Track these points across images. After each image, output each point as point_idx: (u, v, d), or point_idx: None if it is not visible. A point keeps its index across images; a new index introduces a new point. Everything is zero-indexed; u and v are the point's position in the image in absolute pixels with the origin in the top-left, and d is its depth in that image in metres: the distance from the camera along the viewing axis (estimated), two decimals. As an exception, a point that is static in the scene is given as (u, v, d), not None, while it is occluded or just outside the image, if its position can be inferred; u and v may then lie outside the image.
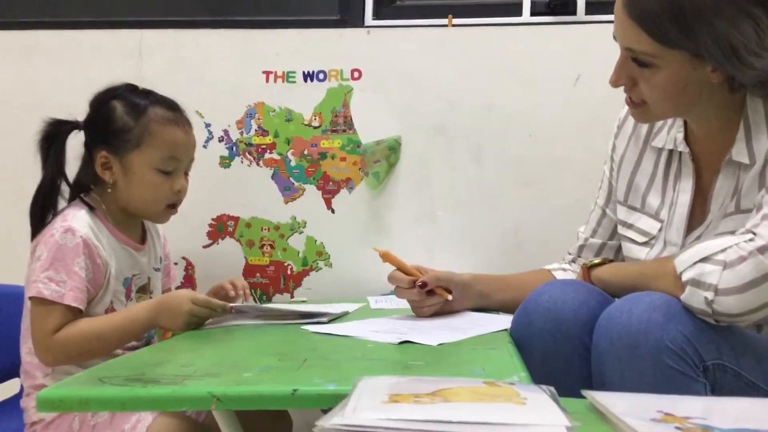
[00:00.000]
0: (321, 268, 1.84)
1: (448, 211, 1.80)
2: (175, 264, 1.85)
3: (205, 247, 1.87)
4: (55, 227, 1.26)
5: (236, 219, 1.86)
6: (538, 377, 0.98)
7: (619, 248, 1.30)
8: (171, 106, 1.39)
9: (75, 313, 1.23)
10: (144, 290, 1.40)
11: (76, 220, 1.28)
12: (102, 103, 1.35)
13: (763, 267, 0.90)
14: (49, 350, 1.21)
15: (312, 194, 1.84)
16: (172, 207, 1.40)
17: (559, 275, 1.34)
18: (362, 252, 1.81)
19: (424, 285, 1.19)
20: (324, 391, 0.72)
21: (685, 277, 0.94)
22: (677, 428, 0.52)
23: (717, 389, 0.92)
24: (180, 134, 1.37)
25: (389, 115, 1.81)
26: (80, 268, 1.23)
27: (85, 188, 1.36)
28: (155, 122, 1.34)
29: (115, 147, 1.32)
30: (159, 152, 1.33)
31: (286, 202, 1.85)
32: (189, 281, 1.87)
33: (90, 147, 1.35)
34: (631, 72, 1.07)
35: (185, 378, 0.78)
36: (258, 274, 1.85)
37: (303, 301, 1.69)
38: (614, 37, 1.08)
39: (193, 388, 0.74)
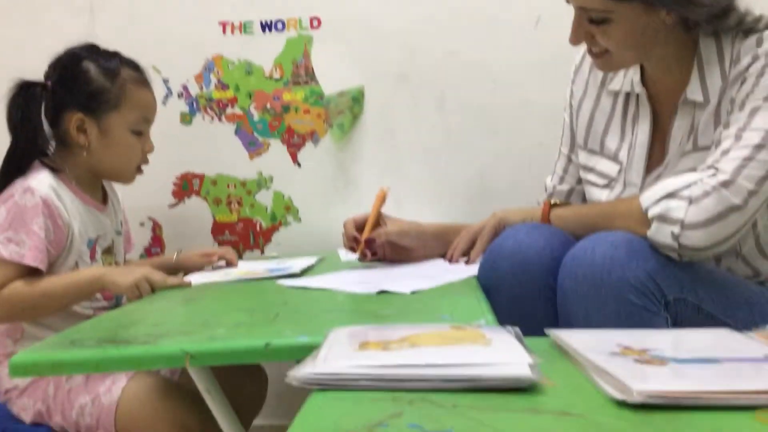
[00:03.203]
0: (290, 224, 1.83)
1: (414, 160, 1.80)
2: (142, 225, 1.84)
3: (171, 206, 1.85)
4: (15, 188, 1.25)
5: (201, 177, 1.84)
6: (505, 319, 1.01)
7: (587, 193, 1.32)
8: (137, 67, 1.40)
9: (35, 274, 1.22)
10: (109, 252, 1.39)
11: (35, 181, 1.26)
12: (71, 65, 1.32)
13: (727, 201, 0.93)
14: None
15: (277, 149, 1.82)
16: (139, 169, 1.41)
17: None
18: (331, 205, 1.81)
19: (370, 241, 1.23)
20: (296, 343, 0.73)
21: (651, 213, 0.97)
22: (635, 360, 0.54)
23: (678, 322, 0.95)
24: (150, 95, 1.40)
25: (351, 64, 1.78)
26: (39, 228, 1.22)
27: (42, 152, 1.33)
28: (130, 83, 1.35)
29: (91, 109, 1.31)
30: (135, 114, 1.35)
31: (252, 158, 1.83)
32: (157, 242, 1.86)
33: (58, 109, 1.31)
34: (588, 28, 1.07)
35: (158, 337, 0.78)
36: (227, 232, 1.84)
37: (274, 257, 1.70)
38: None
39: (166, 347, 0.75)
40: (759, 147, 0.95)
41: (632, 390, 0.48)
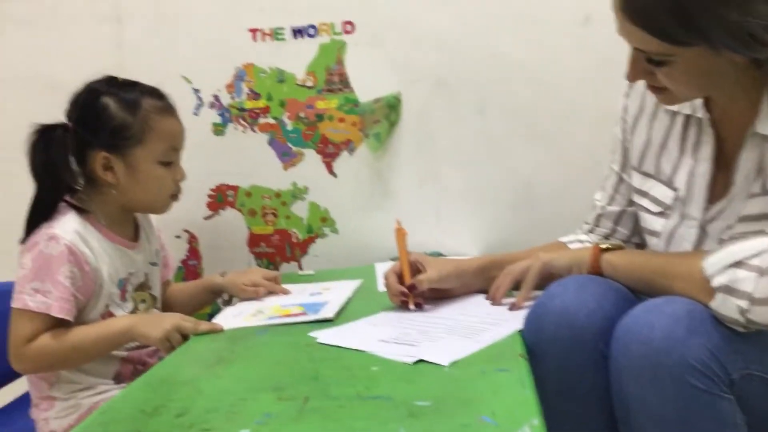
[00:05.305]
0: (327, 235, 1.78)
1: (454, 168, 1.71)
2: (178, 237, 1.82)
3: (206, 218, 1.81)
4: (40, 235, 1.22)
5: (236, 188, 1.79)
6: (552, 386, 0.95)
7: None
8: (159, 95, 1.34)
9: (62, 324, 1.20)
10: (142, 288, 1.36)
11: (60, 227, 1.23)
12: (90, 102, 1.28)
13: None
14: (22, 359, 1.20)
15: (312, 158, 1.75)
16: (174, 197, 1.38)
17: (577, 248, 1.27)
18: (368, 216, 1.75)
19: (412, 287, 1.16)
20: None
21: (716, 283, 0.87)
22: None
23: (745, 398, 0.87)
24: (176, 123, 1.35)
25: (387, 70, 1.69)
26: (65, 277, 1.19)
27: (70, 190, 1.29)
28: (152, 114, 1.30)
29: (115, 146, 1.27)
30: (161, 144, 1.30)
31: (286, 168, 1.77)
32: (194, 254, 1.83)
33: (82, 148, 1.27)
34: (647, 67, 0.97)
35: (179, 438, 0.75)
36: (263, 244, 1.80)
37: (311, 275, 1.65)
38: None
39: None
40: (838, 208, 0.85)
41: None
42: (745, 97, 1.01)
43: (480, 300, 1.22)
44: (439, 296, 1.22)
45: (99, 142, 1.26)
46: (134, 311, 1.32)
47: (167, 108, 1.33)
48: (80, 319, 1.23)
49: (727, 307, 0.86)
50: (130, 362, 1.29)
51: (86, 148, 1.27)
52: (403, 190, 1.74)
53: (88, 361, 1.23)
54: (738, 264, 0.86)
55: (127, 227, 1.36)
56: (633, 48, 0.98)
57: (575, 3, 1.61)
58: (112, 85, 1.29)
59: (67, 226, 1.23)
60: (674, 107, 1.12)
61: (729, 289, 0.86)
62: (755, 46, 0.89)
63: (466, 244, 1.71)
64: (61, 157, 1.24)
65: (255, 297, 1.39)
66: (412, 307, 1.16)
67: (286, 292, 1.40)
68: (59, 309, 1.18)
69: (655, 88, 1.02)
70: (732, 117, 1.05)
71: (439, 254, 1.68)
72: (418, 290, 1.16)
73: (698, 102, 1.09)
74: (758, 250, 0.86)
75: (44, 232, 1.22)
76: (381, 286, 1.39)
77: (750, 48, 0.90)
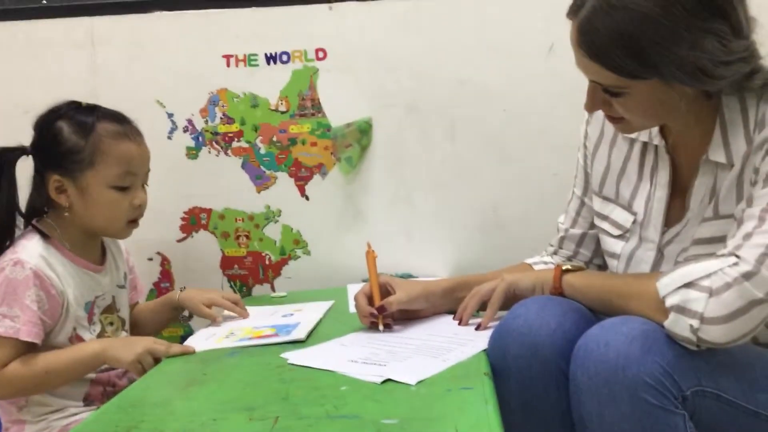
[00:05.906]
0: (299, 257, 1.80)
1: (425, 192, 1.76)
2: (150, 260, 1.82)
3: (179, 241, 1.83)
4: (5, 260, 1.23)
5: (209, 211, 1.81)
6: (515, 403, 0.98)
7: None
8: (119, 119, 1.33)
9: (31, 348, 1.21)
10: (110, 310, 1.37)
11: (25, 251, 1.24)
12: (46, 125, 1.29)
13: (749, 295, 0.88)
14: None
15: (284, 182, 1.78)
16: (133, 222, 1.36)
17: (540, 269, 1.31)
18: (340, 238, 1.78)
19: (382, 309, 1.19)
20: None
21: (669, 303, 0.92)
22: None
23: (697, 414, 0.91)
24: (133, 147, 1.32)
25: (358, 95, 1.74)
26: (32, 301, 1.20)
27: (38, 213, 1.31)
28: (106, 138, 1.29)
29: (67, 169, 1.27)
30: (114, 169, 1.29)
31: (259, 191, 1.79)
32: (166, 277, 1.84)
33: (41, 171, 1.29)
34: (603, 97, 1.02)
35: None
36: (236, 266, 1.82)
37: (283, 297, 1.67)
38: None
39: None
40: (783, 232, 0.90)
41: None
42: (698, 126, 1.06)
43: (447, 320, 1.25)
44: (408, 317, 1.25)
45: (52, 164, 1.27)
46: (102, 334, 1.33)
47: (125, 132, 1.31)
48: (48, 342, 1.24)
49: (679, 325, 0.90)
50: (99, 384, 1.29)
51: (44, 171, 1.28)
52: (374, 212, 1.78)
53: (60, 386, 1.23)
54: (690, 285, 0.91)
55: (92, 250, 1.36)
56: (590, 80, 1.02)
57: (540, 33, 1.67)
58: (71, 108, 1.30)
59: (32, 250, 1.24)
60: (632, 135, 1.18)
61: (681, 309, 0.90)
62: (704, 79, 0.95)
63: (436, 266, 1.74)
64: (12, 181, 1.25)
65: (211, 319, 1.40)
66: (381, 328, 1.19)
67: (245, 316, 1.41)
68: (27, 333, 1.19)
69: (613, 118, 1.07)
70: (686, 144, 1.11)
71: (410, 275, 1.72)
72: (387, 311, 1.19)
73: (655, 130, 1.14)
74: (709, 272, 0.90)
75: (9, 257, 1.23)
76: (352, 308, 1.41)
77: (699, 81, 0.96)
